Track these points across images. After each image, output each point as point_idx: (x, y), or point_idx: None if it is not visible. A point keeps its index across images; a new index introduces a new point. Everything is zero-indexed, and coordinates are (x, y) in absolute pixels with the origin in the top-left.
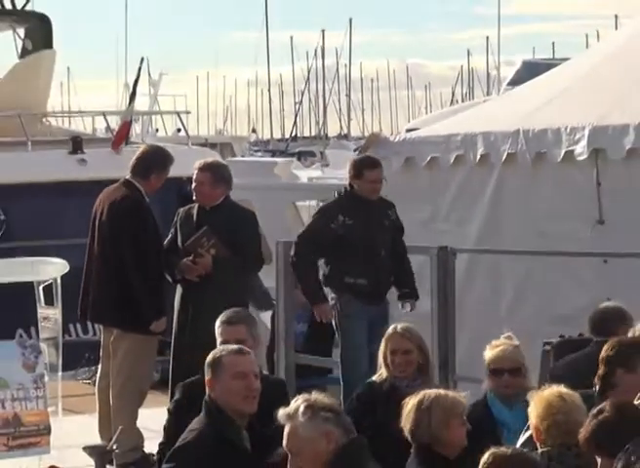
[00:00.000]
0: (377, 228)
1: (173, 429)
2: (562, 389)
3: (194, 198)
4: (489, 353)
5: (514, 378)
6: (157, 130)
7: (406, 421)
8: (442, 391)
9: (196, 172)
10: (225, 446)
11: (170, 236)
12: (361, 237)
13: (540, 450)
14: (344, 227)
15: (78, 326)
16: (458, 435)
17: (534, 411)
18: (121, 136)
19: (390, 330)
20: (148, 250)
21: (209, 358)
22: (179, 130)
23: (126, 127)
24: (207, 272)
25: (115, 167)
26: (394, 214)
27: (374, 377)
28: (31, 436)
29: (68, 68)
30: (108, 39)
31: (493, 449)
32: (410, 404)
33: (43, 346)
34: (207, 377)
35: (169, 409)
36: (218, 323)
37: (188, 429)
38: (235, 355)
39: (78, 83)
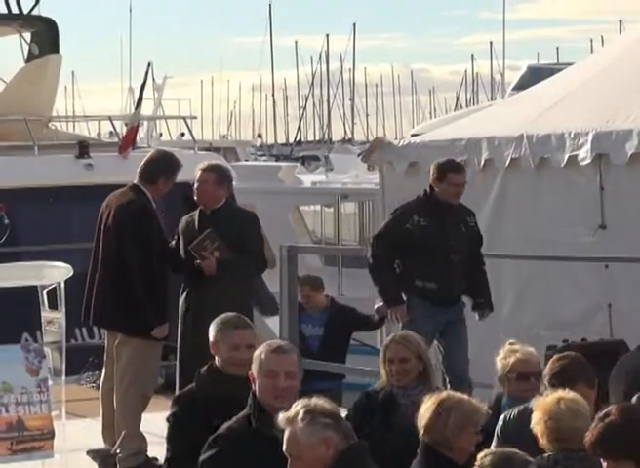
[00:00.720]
0: (453, 233)
1: (177, 442)
2: (566, 394)
3: (195, 199)
4: (511, 358)
5: (538, 382)
6: (161, 134)
7: (422, 418)
8: (465, 396)
9: (199, 172)
10: (262, 440)
11: (173, 243)
12: (435, 239)
13: (546, 454)
14: (419, 228)
15: (84, 330)
16: (470, 442)
17: (533, 417)
18: (128, 141)
19: (389, 338)
20: (153, 254)
21: (255, 353)
22: (182, 134)
23: (133, 131)
24: (211, 274)
25: (122, 171)
26: (473, 221)
27: (375, 385)
28: (35, 440)
29: (73, 73)
30: (112, 43)
31: (484, 451)
32: (429, 401)
33: (47, 350)
34: (251, 372)
35: (169, 422)
36: (221, 326)
37: (234, 419)
38: (271, 353)
39: (81, 87)
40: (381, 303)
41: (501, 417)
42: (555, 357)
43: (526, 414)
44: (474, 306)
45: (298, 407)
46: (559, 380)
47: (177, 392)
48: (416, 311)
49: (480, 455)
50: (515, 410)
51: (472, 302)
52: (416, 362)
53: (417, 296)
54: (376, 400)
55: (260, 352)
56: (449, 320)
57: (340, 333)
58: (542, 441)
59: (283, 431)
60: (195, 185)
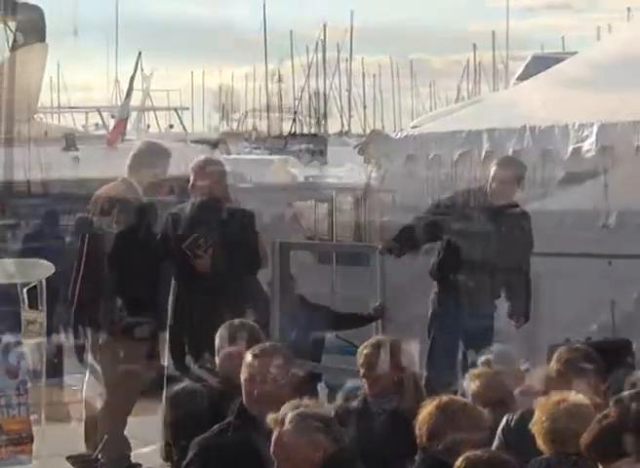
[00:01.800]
0: (502, 234)
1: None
2: (568, 395)
3: (190, 196)
4: None
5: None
6: (149, 126)
7: (423, 423)
8: (467, 400)
9: (193, 167)
10: (240, 445)
11: (159, 236)
12: (481, 235)
13: (539, 457)
14: (471, 219)
15: (69, 330)
16: (475, 447)
17: (534, 417)
18: (117, 133)
19: (366, 342)
20: (142, 251)
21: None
22: (171, 126)
23: (122, 123)
24: (204, 273)
25: (110, 164)
26: (528, 226)
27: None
28: (13, 444)
29: (58, 64)
30: (98, 33)
31: (467, 453)
32: (430, 406)
33: (26, 351)
34: None
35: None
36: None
37: (217, 424)
38: (251, 357)
39: (66, 78)
40: (377, 303)
41: (504, 418)
42: (566, 349)
43: (528, 415)
44: (510, 312)
45: (288, 408)
46: (567, 372)
47: (163, 395)
48: (446, 305)
49: (464, 461)
50: (518, 411)
51: (509, 308)
52: (388, 370)
53: (450, 290)
54: (352, 405)
55: (246, 354)
56: (477, 319)
57: (313, 335)
58: (539, 441)
59: (265, 435)
60: (190, 183)
